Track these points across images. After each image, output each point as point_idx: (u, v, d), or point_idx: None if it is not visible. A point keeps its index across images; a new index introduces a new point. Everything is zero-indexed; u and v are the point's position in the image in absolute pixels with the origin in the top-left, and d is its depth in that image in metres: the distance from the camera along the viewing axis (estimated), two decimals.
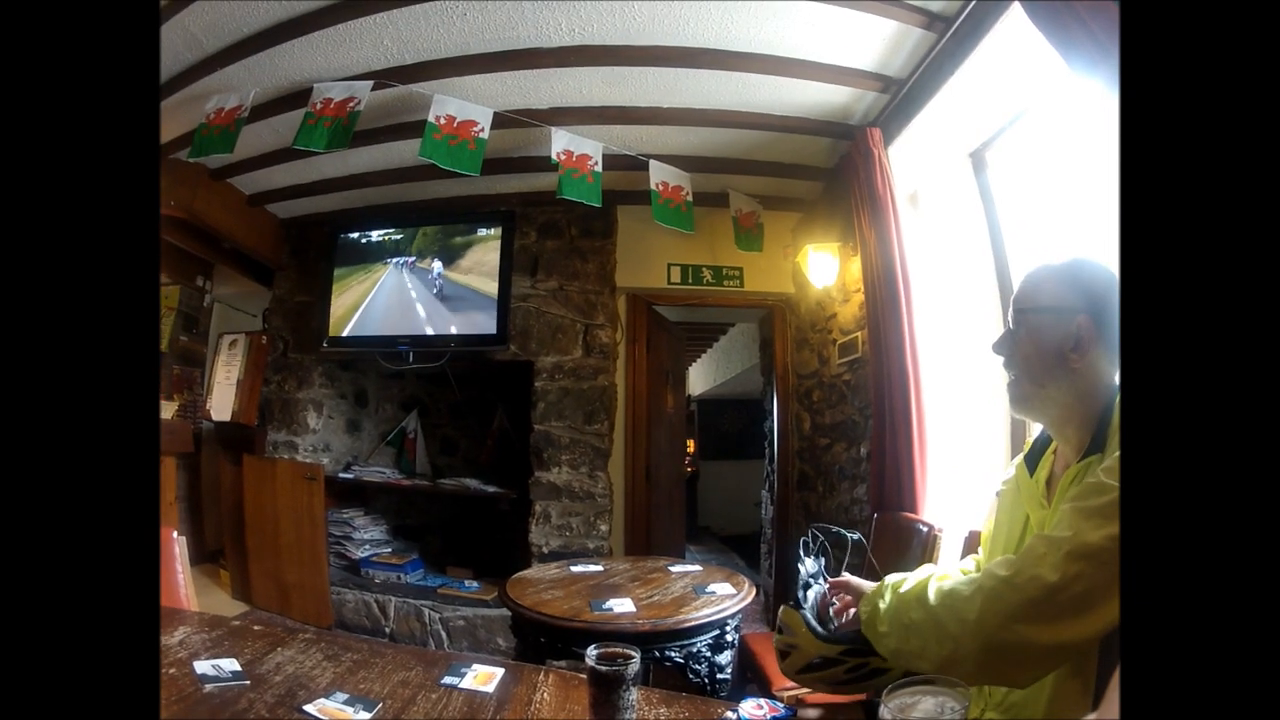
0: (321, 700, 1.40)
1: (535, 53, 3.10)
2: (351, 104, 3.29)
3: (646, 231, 4.34)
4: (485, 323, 4.42)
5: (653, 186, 3.83)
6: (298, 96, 3.46)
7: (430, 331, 4.54)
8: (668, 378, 5.43)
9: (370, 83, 3.29)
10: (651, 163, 3.83)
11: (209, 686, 1.45)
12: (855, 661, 1.40)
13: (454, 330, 4.49)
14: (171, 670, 1.54)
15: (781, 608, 1.53)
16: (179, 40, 3.19)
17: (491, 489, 4.74)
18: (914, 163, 3.36)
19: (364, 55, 3.23)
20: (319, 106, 3.32)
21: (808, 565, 1.61)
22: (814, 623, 1.46)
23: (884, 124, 3.34)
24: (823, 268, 3.99)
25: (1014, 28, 2.35)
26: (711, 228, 4.44)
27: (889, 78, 3.11)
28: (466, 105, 3.38)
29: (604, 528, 4.47)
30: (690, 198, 3.96)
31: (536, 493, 4.52)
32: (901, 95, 3.15)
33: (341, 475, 5.07)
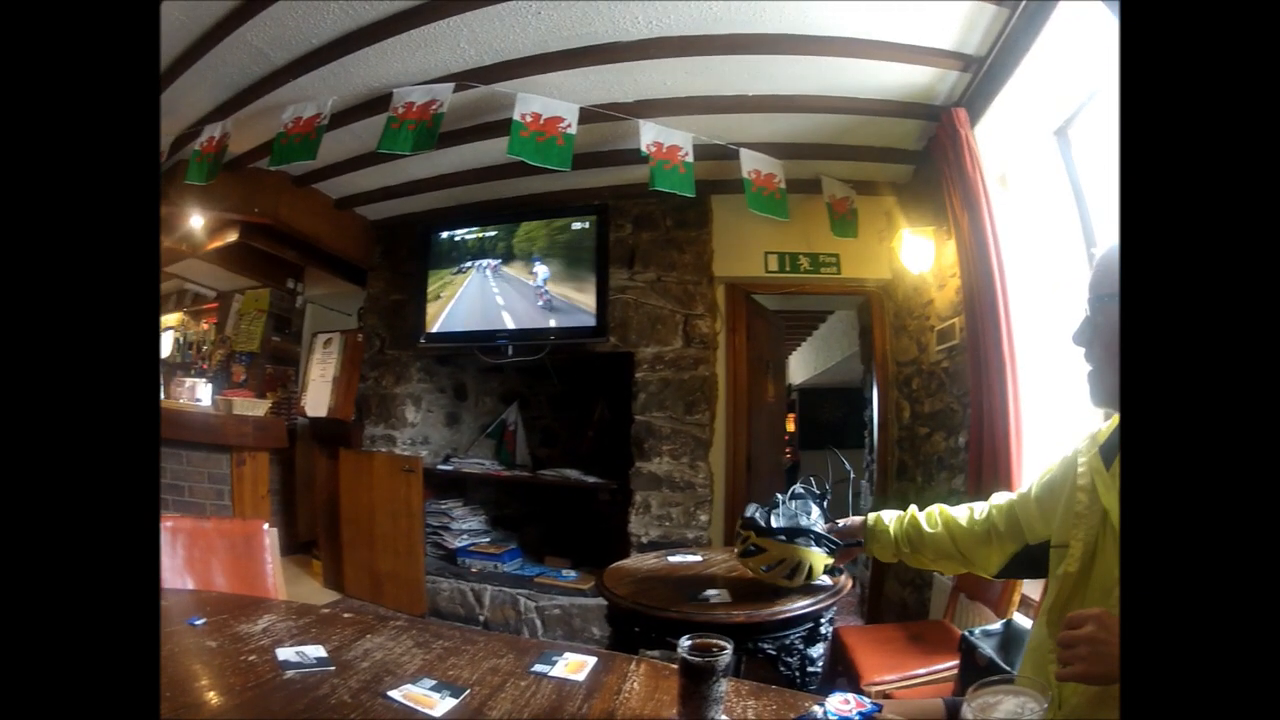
0: (407, 686, 1.49)
1: (614, 47, 3.27)
2: (434, 106, 3.52)
3: (742, 220, 4.54)
4: (584, 316, 4.78)
5: (745, 175, 4.00)
6: (377, 102, 3.73)
7: (529, 325, 4.92)
8: (768, 367, 5.69)
9: (451, 85, 3.52)
10: (742, 151, 4.00)
11: (290, 673, 1.56)
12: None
13: (553, 324, 4.86)
14: (251, 657, 1.65)
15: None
16: (243, 55, 3.51)
17: (592, 479, 5.08)
18: (1001, 142, 3.46)
19: (441, 58, 3.46)
20: (401, 110, 3.56)
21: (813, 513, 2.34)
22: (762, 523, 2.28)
23: (968, 104, 3.42)
24: (918, 252, 4.10)
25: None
26: (806, 214, 4.61)
27: (969, 56, 3.20)
28: (551, 102, 3.58)
29: (704, 518, 4.74)
30: (783, 185, 4.09)
31: (637, 483, 4.83)
32: (982, 74, 3.23)
33: (440, 467, 5.52)
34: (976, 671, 1.45)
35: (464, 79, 3.53)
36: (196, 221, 5.59)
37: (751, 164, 4.04)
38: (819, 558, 2.30)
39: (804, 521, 2.33)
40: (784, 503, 2.41)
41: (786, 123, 3.94)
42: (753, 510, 2.41)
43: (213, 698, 1.47)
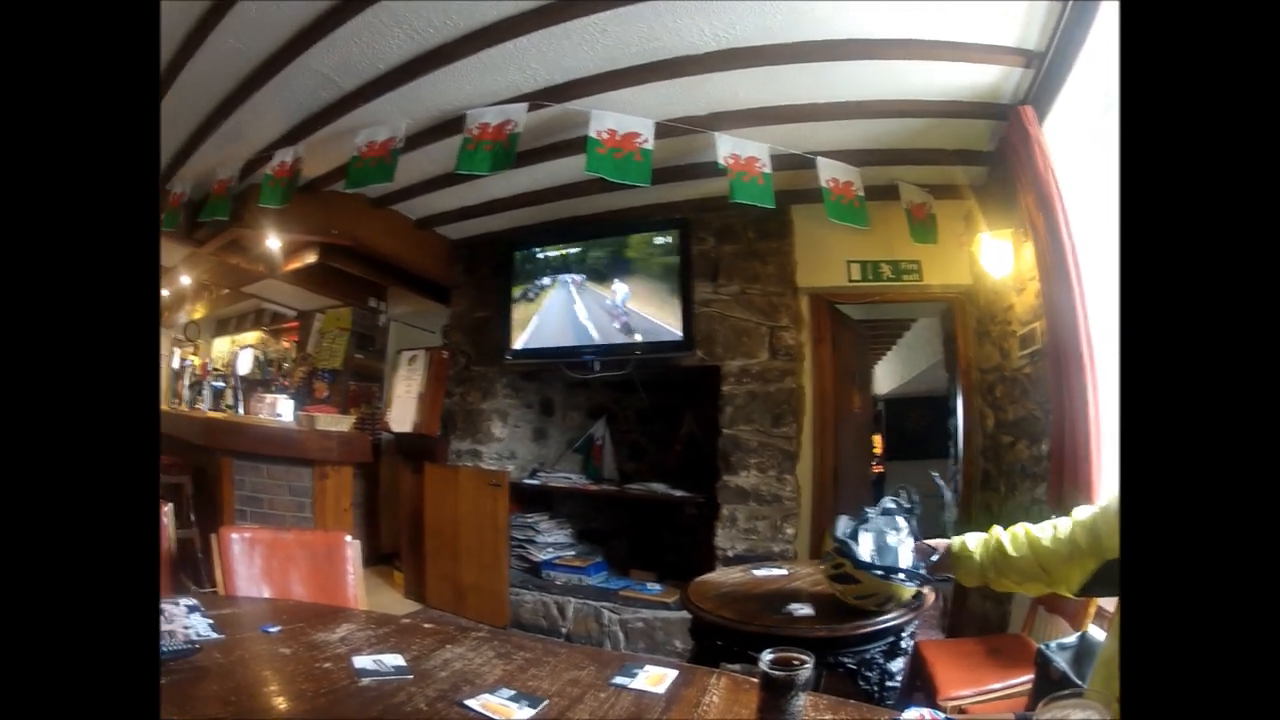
0: (485, 695, 1.54)
1: (683, 61, 3.36)
2: (509, 127, 3.63)
3: (822, 230, 4.57)
4: (671, 330, 4.96)
5: (823, 184, 4.04)
6: (451, 124, 3.89)
7: (615, 340, 5.13)
8: (854, 377, 5.77)
9: (525, 105, 3.64)
10: (819, 160, 4.05)
11: (366, 680, 1.63)
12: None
13: (639, 338, 5.06)
14: (326, 664, 1.72)
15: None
16: (310, 81, 3.72)
17: (679, 493, 5.25)
18: (1070, 138, 3.42)
19: (511, 79, 3.60)
20: (476, 131, 3.67)
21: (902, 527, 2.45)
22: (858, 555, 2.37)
23: (1034, 101, 3.42)
24: (996, 256, 4.10)
25: None
26: (885, 221, 4.60)
27: (1030, 51, 3.20)
28: (625, 118, 3.66)
29: (790, 531, 4.84)
30: (861, 192, 4.14)
31: (724, 496, 4.96)
32: (1044, 69, 3.22)
33: (527, 481, 5.79)
34: (1050, 685, 1.53)
35: (536, 98, 3.68)
36: (273, 243, 5.92)
37: (829, 172, 4.08)
38: (909, 590, 2.44)
39: (891, 539, 2.44)
40: (874, 517, 2.51)
41: (859, 129, 3.99)
42: (844, 526, 2.48)
43: (281, 703, 1.55)
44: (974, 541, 2.05)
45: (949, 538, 2.17)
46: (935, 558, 2.19)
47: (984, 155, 4.26)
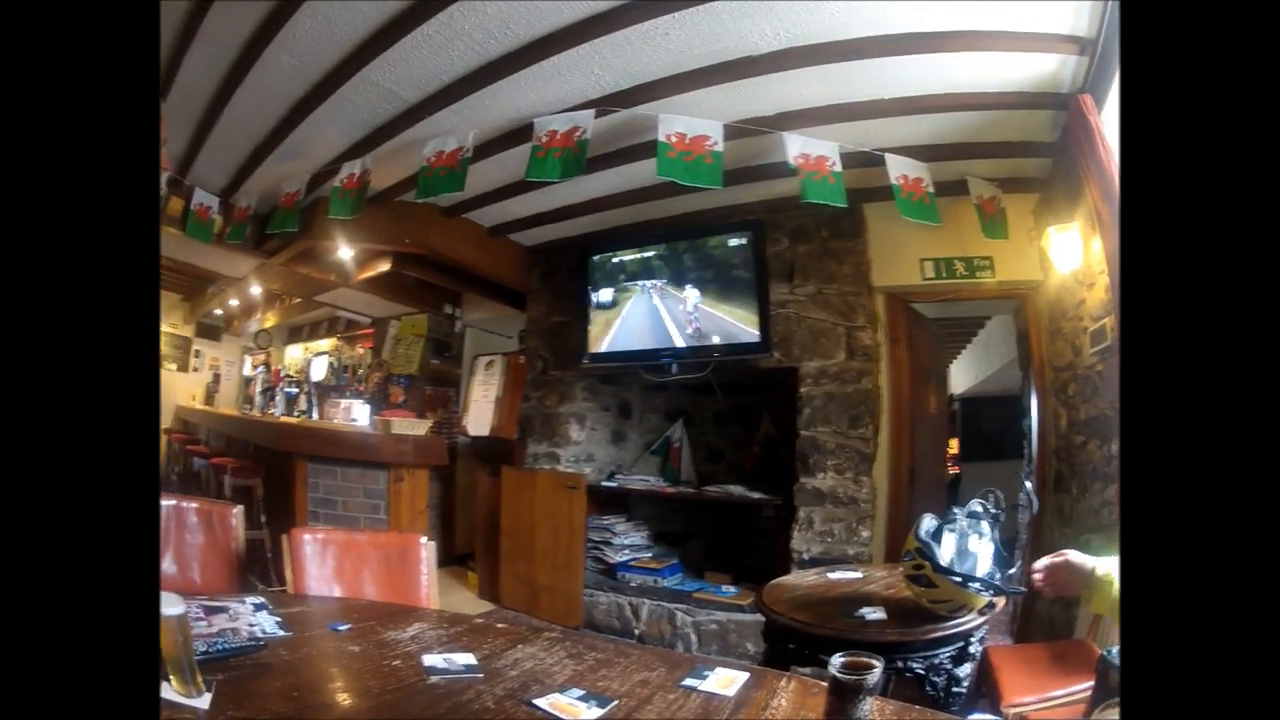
0: (555, 695, 1.55)
1: (746, 62, 3.38)
2: (578, 133, 3.71)
3: (895, 228, 4.58)
4: (748, 332, 5.03)
5: (893, 181, 4.01)
6: (519, 132, 3.98)
7: (693, 343, 5.22)
8: (929, 377, 5.76)
9: (592, 111, 3.70)
10: (888, 157, 4.02)
11: (434, 678, 1.64)
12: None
13: (716, 340, 5.14)
14: (395, 662, 1.74)
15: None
16: (372, 95, 3.84)
17: (756, 495, 5.30)
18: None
19: (577, 86, 3.67)
20: (544, 139, 3.76)
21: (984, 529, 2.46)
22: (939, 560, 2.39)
23: (1092, 88, 3.34)
24: (1066, 250, 4.00)
25: None
26: (956, 218, 4.59)
27: (1082, 38, 3.14)
28: (694, 121, 3.71)
29: (865, 534, 4.83)
30: (931, 189, 4.12)
31: (801, 499, 4.99)
32: (1098, 56, 3.15)
33: (604, 484, 5.92)
34: (1109, 693, 1.56)
35: (603, 104, 3.74)
36: (346, 253, 6.14)
37: (898, 169, 4.05)
38: (982, 599, 2.45)
39: (973, 544, 2.47)
40: (959, 518, 2.53)
41: (924, 124, 3.98)
42: (928, 525, 2.51)
43: (345, 699, 1.57)
44: (1114, 569, 1.83)
45: (1047, 547, 2.07)
46: (1040, 574, 1.98)
47: (1048, 146, 4.20)
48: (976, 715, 1.44)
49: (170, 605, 1.36)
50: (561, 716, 1.47)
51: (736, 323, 5.10)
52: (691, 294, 5.28)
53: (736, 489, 5.49)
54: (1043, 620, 4.47)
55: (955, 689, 2.51)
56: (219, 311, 10.67)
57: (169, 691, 1.36)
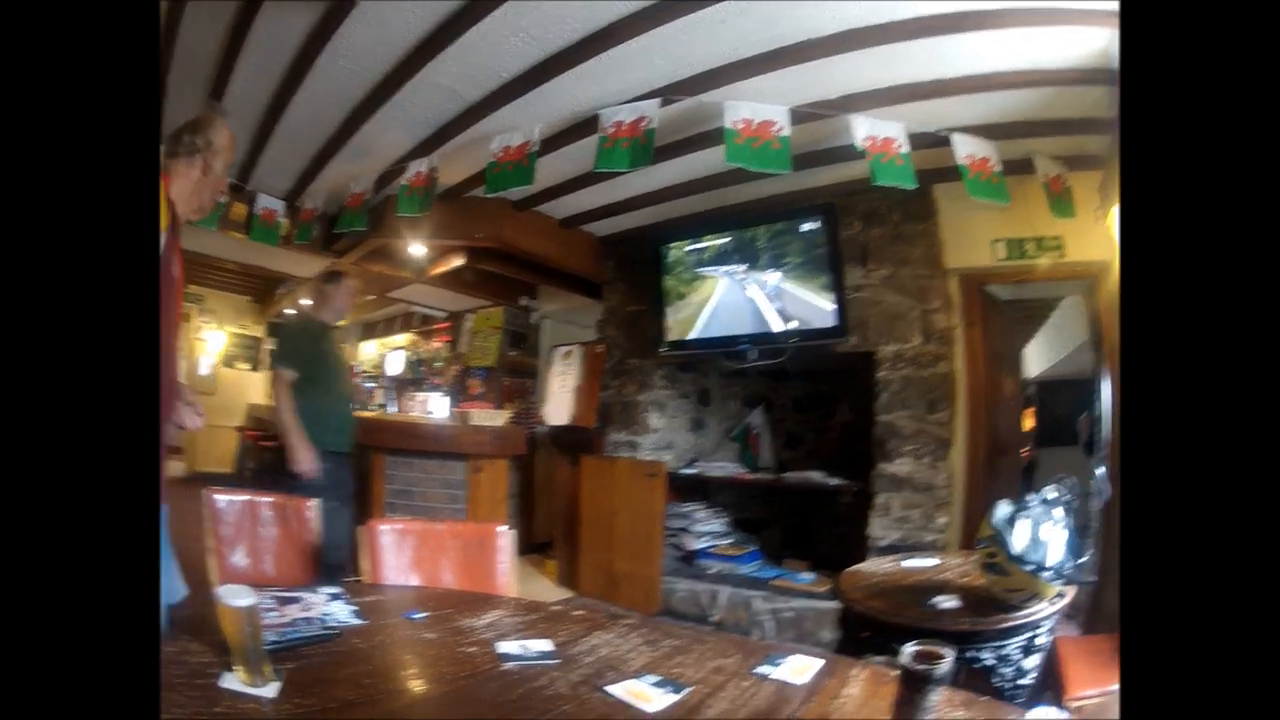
0: (629, 681, 1.57)
1: (806, 46, 3.38)
2: (644, 123, 3.75)
3: (965, 209, 4.56)
4: (825, 317, 5.08)
5: (960, 161, 3.97)
6: (585, 125, 4.06)
7: (770, 329, 5.29)
8: (1004, 361, 5.70)
9: (657, 100, 3.75)
10: (953, 136, 3.99)
11: (509, 665, 1.65)
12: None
13: (794, 325, 5.20)
14: (471, 649, 1.75)
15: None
16: (434, 94, 3.96)
17: (834, 482, 5.34)
18: None
19: (639, 76, 3.72)
20: (611, 130, 3.81)
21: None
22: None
23: None
24: None
25: None
26: (1024, 197, 4.46)
27: None
28: (759, 106, 3.72)
29: (941, 520, 4.80)
30: (999, 168, 4.07)
31: (878, 485, 5.00)
32: None
33: (683, 471, 6.05)
34: None
35: (667, 93, 3.78)
36: (418, 250, 6.36)
37: (965, 149, 4.02)
38: (1053, 589, 2.45)
39: (1045, 531, 2.46)
40: (1034, 505, 2.53)
41: (987, 103, 3.93)
42: (1003, 512, 2.51)
43: (416, 685, 1.61)
44: None
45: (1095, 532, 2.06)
46: None
47: (1108, 123, 4.02)
48: (1039, 707, 1.44)
49: (239, 597, 1.41)
50: (634, 703, 1.48)
51: (814, 306, 5.15)
52: (769, 278, 5.34)
53: (815, 475, 5.54)
54: (1111, 612, 4.36)
55: (1021, 681, 2.52)
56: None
57: (233, 682, 1.40)
